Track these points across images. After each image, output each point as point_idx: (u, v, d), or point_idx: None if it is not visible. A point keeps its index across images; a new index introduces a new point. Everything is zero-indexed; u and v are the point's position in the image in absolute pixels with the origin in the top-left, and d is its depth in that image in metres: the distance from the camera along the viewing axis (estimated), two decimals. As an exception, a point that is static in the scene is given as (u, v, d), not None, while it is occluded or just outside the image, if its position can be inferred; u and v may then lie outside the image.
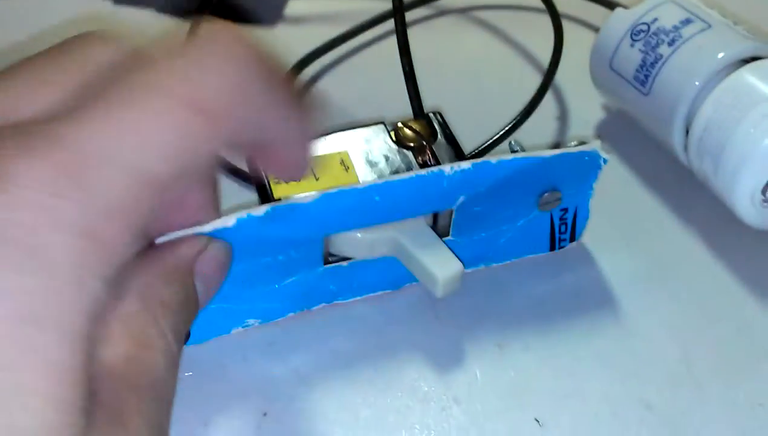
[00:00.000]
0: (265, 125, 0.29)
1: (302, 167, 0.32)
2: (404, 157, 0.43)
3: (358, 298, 0.42)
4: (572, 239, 0.44)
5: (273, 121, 0.29)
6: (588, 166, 0.41)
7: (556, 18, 0.54)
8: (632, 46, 0.48)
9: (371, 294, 0.42)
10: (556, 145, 0.48)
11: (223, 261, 0.34)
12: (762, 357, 0.40)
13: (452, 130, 0.45)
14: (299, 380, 0.38)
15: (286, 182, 0.40)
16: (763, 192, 0.41)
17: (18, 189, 0.22)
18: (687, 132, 0.45)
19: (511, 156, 0.39)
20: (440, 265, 0.38)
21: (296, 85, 0.32)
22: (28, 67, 0.27)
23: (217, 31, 0.27)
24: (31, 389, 0.21)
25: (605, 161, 0.41)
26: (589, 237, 0.45)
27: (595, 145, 0.41)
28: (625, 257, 0.44)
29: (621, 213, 0.47)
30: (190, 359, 0.39)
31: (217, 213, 0.34)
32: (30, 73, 0.27)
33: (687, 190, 0.47)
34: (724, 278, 0.43)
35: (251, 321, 0.40)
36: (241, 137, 0.28)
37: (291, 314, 0.41)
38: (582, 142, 0.41)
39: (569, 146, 0.41)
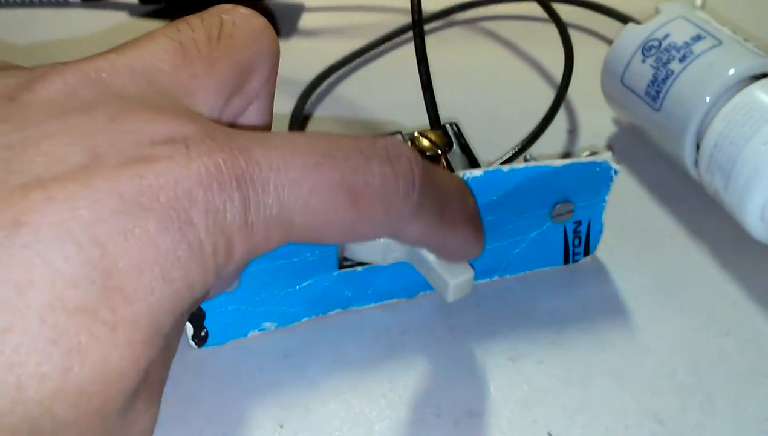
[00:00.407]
0: (410, 236, 0.32)
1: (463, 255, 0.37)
2: None
3: (373, 305, 0.43)
4: (586, 252, 0.45)
5: (419, 234, 0.33)
6: (599, 178, 0.42)
7: (565, 36, 0.55)
8: (644, 61, 0.48)
9: (386, 302, 0.43)
10: (567, 156, 0.49)
11: None
12: (771, 371, 0.40)
13: (467, 141, 0.45)
14: (315, 392, 0.39)
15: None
16: (774, 208, 0.42)
17: None
18: (698, 147, 0.45)
19: (522, 165, 0.40)
20: (451, 269, 0.39)
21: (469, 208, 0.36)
22: None
23: (391, 144, 0.30)
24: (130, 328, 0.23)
25: (616, 172, 0.42)
26: (600, 250, 0.45)
27: (606, 156, 0.41)
28: (636, 271, 0.45)
29: (632, 227, 0.47)
30: (206, 369, 0.40)
31: None
32: None
33: (697, 204, 0.48)
34: (733, 292, 0.43)
35: (268, 324, 0.41)
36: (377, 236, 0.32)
37: (306, 319, 0.42)
38: (593, 153, 0.41)
39: (580, 157, 0.41)
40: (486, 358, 0.40)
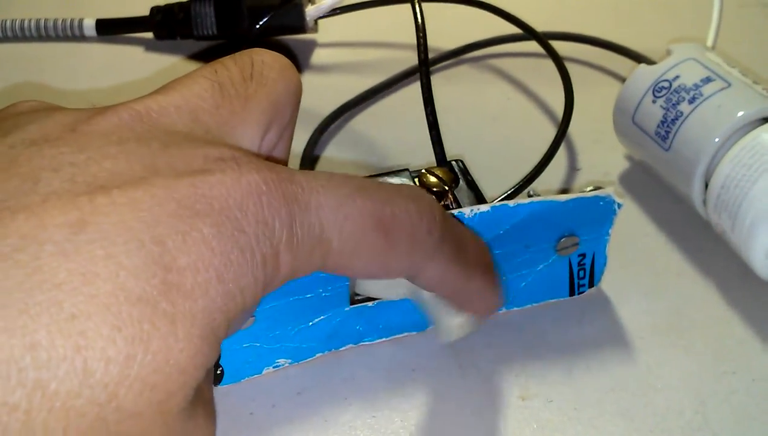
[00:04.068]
0: (429, 278, 0.34)
1: (481, 306, 0.38)
2: None
3: (385, 339, 0.43)
4: (591, 284, 0.45)
5: (437, 277, 0.34)
6: (603, 211, 0.42)
7: (564, 73, 0.55)
8: (654, 102, 0.49)
9: (397, 336, 0.43)
10: (565, 191, 0.50)
11: None
12: (778, 411, 0.40)
13: (474, 178, 0.46)
14: (328, 429, 0.39)
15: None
16: (780, 249, 0.42)
17: None
18: (706, 187, 0.46)
19: (528, 200, 0.40)
20: (447, 311, 0.39)
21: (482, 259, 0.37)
22: None
23: (416, 189, 0.34)
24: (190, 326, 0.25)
25: (620, 206, 0.42)
26: (609, 286, 0.46)
27: (610, 190, 0.42)
28: (644, 308, 0.45)
29: (640, 263, 0.48)
30: (219, 405, 0.40)
31: None
32: None
33: (706, 242, 0.48)
34: (740, 331, 0.44)
35: (282, 361, 0.41)
36: (397, 274, 0.33)
37: (319, 355, 0.42)
38: (597, 187, 0.42)
39: (585, 191, 0.42)
40: (496, 396, 0.41)
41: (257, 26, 0.63)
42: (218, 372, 0.40)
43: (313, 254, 0.29)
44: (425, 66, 0.48)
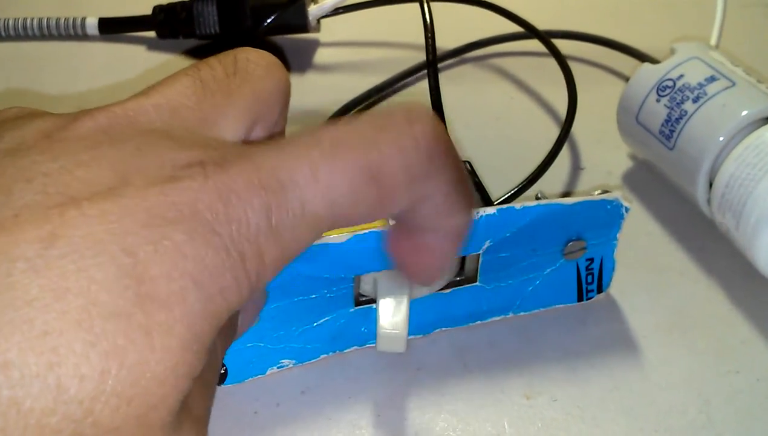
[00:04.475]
0: (425, 212, 0.31)
1: (440, 267, 0.34)
2: None
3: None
4: (599, 290, 0.45)
5: (433, 210, 0.31)
6: (611, 215, 0.42)
7: (567, 72, 0.55)
8: (658, 101, 0.49)
9: None
10: (567, 195, 0.50)
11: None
12: (782, 410, 0.40)
13: (480, 179, 0.45)
14: (332, 428, 0.39)
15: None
16: (784, 248, 0.42)
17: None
18: (710, 186, 0.46)
19: (534, 202, 0.40)
20: (388, 318, 0.40)
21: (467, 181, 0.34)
22: None
23: (408, 108, 0.30)
24: (174, 333, 0.25)
25: (627, 210, 0.42)
26: (613, 285, 0.46)
27: (617, 194, 0.42)
28: (647, 307, 0.45)
29: (644, 263, 0.48)
30: (223, 405, 0.40)
31: None
32: None
33: (710, 241, 0.48)
34: (744, 330, 0.44)
35: (286, 362, 0.41)
36: (396, 214, 0.31)
37: (324, 356, 0.42)
38: (605, 191, 0.42)
39: (592, 195, 0.42)
40: (500, 395, 0.41)
41: (261, 25, 0.63)
42: (222, 372, 0.40)
43: (300, 233, 0.28)
44: (433, 67, 0.48)
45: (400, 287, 0.41)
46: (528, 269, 0.43)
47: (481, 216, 0.40)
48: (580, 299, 0.45)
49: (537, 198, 0.43)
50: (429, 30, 0.50)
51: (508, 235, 0.41)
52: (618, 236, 0.43)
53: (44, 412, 0.23)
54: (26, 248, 0.24)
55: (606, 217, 0.42)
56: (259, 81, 0.33)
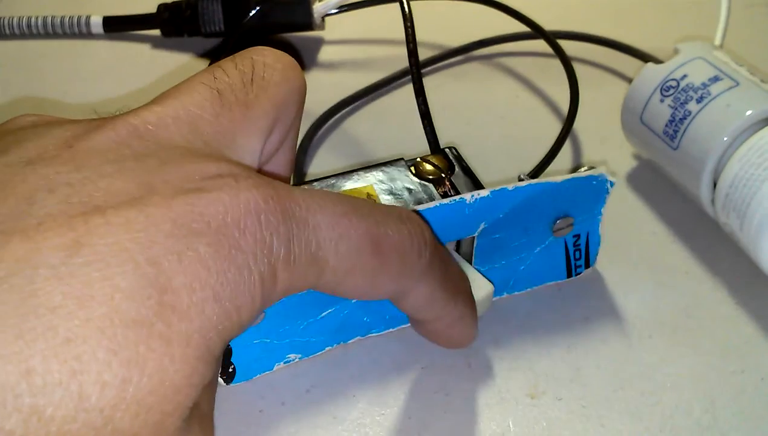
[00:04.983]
0: (411, 303, 0.35)
1: (462, 339, 0.39)
2: (426, 189, 0.44)
3: (392, 330, 0.43)
4: (587, 265, 0.46)
5: (420, 302, 0.35)
6: (597, 191, 0.43)
7: (570, 71, 0.56)
8: (662, 101, 0.49)
9: (404, 326, 0.43)
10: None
11: None
12: (787, 410, 0.40)
13: (468, 163, 0.46)
14: (336, 426, 0.40)
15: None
16: (788, 249, 0.42)
17: None
18: (714, 186, 0.46)
19: (525, 182, 0.41)
20: (473, 286, 0.40)
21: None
22: None
23: (408, 212, 0.33)
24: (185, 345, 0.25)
25: (612, 184, 0.43)
26: (617, 284, 0.46)
27: (602, 169, 0.42)
28: (652, 306, 0.45)
29: (649, 261, 0.48)
30: (228, 403, 0.40)
31: None
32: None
33: (714, 241, 0.48)
34: (749, 330, 0.44)
35: (292, 356, 0.41)
36: (386, 294, 0.33)
37: (329, 348, 0.42)
38: (591, 168, 0.43)
39: (579, 172, 0.42)
40: (505, 394, 0.41)
41: (266, 23, 0.63)
42: (230, 370, 0.40)
43: (308, 271, 0.29)
44: (414, 57, 0.49)
45: (452, 255, 0.42)
46: (520, 248, 0.44)
47: (476, 199, 0.40)
48: (569, 275, 0.46)
49: (519, 179, 0.43)
50: (408, 19, 0.51)
51: (501, 216, 0.41)
52: (603, 210, 0.44)
53: (65, 419, 0.23)
54: (50, 255, 0.24)
55: (592, 193, 0.43)
56: (276, 88, 0.33)
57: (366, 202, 0.32)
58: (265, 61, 0.33)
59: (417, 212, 0.39)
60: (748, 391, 0.41)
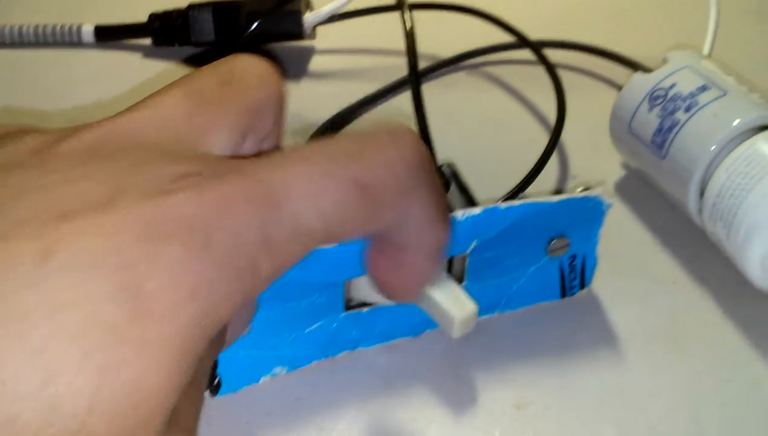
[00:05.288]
0: (408, 227, 0.32)
1: (419, 284, 0.35)
2: None
3: (380, 345, 0.43)
4: (582, 286, 0.46)
5: (415, 226, 0.32)
6: (593, 212, 0.43)
7: (556, 81, 0.56)
8: (650, 111, 0.49)
9: (392, 341, 0.43)
10: (559, 192, 0.50)
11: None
12: (772, 419, 0.40)
13: (464, 181, 0.46)
14: (323, 437, 0.40)
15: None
16: (774, 258, 0.42)
17: None
18: (702, 195, 0.46)
19: (519, 202, 0.41)
20: (456, 305, 0.40)
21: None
22: None
23: (391, 127, 0.31)
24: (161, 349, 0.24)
25: (609, 206, 0.43)
26: (604, 293, 0.46)
27: (599, 191, 0.42)
28: (639, 315, 0.45)
29: (636, 271, 0.48)
30: (215, 415, 0.40)
31: None
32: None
33: (702, 251, 0.48)
34: (735, 339, 0.44)
35: (278, 369, 0.41)
36: (383, 227, 0.31)
37: (316, 362, 0.42)
38: (587, 188, 0.42)
39: (574, 192, 0.42)
40: (492, 404, 0.41)
41: (256, 33, 0.63)
42: (215, 383, 0.40)
43: (293, 246, 0.28)
44: (415, 73, 0.49)
45: (439, 274, 0.41)
46: (513, 267, 0.44)
47: (467, 217, 0.40)
48: (563, 295, 0.46)
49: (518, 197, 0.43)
50: (410, 36, 0.50)
51: (493, 234, 0.41)
52: (600, 232, 0.44)
53: (40, 427, 0.23)
54: (21, 262, 0.23)
55: (588, 214, 0.43)
56: (252, 91, 0.33)
57: (343, 142, 0.31)
58: (244, 66, 0.33)
59: None
60: (735, 400, 0.41)
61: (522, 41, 0.58)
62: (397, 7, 0.52)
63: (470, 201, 0.45)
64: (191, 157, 0.29)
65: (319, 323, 0.41)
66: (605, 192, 0.43)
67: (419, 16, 0.59)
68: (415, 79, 0.48)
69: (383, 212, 0.30)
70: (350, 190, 0.29)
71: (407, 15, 0.51)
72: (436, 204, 0.32)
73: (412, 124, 0.47)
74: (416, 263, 0.34)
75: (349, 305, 0.42)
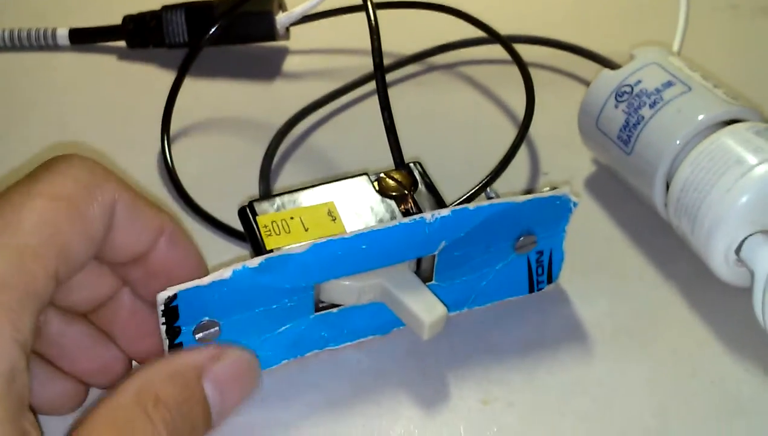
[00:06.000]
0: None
1: None
2: (387, 206, 0.44)
3: (349, 344, 0.44)
4: (549, 280, 0.46)
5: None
6: (559, 210, 0.44)
7: (527, 76, 0.56)
8: (616, 107, 0.49)
9: (361, 339, 0.44)
10: (529, 192, 0.50)
11: (244, 371, 0.37)
12: (736, 412, 0.41)
13: (432, 180, 0.46)
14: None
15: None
16: (737, 252, 0.43)
17: None
18: (668, 190, 0.46)
19: (487, 202, 0.41)
20: (425, 309, 0.40)
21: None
22: None
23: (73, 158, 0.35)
24: None
25: (575, 205, 0.43)
26: (572, 288, 0.46)
27: (565, 190, 0.43)
28: (606, 310, 0.45)
29: (603, 266, 0.48)
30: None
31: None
32: None
33: (668, 245, 0.48)
34: (700, 333, 0.44)
35: None
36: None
37: (285, 361, 0.43)
38: (554, 188, 0.43)
39: (542, 192, 0.42)
40: (458, 401, 0.41)
41: (229, 34, 0.63)
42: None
43: None
44: (380, 70, 0.49)
45: (408, 277, 0.42)
46: (481, 264, 0.44)
47: (436, 218, 0.40)
48: (531, 290, 0.46)
49: (488, 197, 0.43)
50: (374, 32, 0.50)
51: (462, 235, 0.41)
52: (566, 228, 0.45)
53: None
54: None
55: (555, 212, 0.44)
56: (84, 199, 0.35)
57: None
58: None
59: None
60: (699, 394, 0.41)
61: (493, 36, 0.58)
62: (364, 5, 0.52)
63: (438, 200, 0.45)
64: None
65: (289, 325, 0.41)
66: (571, 191, 0.43)
67: (391, 14, 0.59)
68: (381, 76, 0.48)
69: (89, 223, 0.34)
70: (55, 207, 0.33)
71: (371, 12, 0.51)
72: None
73: (379, 121, 0.47)
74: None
75: (318, 307, 0.42)
